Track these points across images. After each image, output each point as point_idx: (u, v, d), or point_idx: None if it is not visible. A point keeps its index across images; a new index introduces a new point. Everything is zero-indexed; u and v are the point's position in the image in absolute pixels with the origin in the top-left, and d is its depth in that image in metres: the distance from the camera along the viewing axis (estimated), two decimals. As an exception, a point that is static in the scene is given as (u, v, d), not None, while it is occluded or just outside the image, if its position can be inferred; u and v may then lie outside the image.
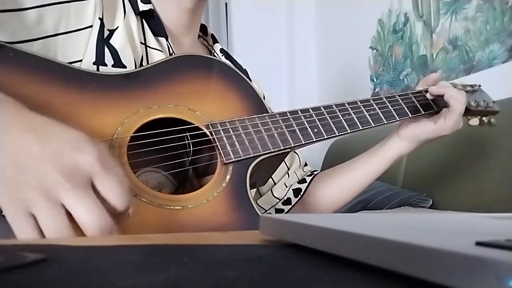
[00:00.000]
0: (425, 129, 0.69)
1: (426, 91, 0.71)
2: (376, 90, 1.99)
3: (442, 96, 0.68)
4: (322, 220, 0.24)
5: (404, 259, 0.15)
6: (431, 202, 1.27)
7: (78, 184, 0.34)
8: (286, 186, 0.77)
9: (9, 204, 0.34)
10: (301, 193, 0.76)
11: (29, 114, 0.38)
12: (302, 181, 0.78)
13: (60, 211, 0.34)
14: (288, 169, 0.78)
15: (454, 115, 0.67)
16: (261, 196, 0.77)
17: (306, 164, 0.82)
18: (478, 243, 0.15)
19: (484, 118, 0.76)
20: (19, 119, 0.37)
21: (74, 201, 0.34)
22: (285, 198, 0.76)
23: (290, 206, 0.76)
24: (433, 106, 0.70)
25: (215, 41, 0.79)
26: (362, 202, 1.33)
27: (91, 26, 0.56)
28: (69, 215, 0.34)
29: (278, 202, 0.76)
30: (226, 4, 2.43)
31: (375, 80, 2.00)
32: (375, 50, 2.00)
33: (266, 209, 0.76)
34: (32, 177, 0.34)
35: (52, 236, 0.33)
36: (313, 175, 0.79)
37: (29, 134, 0.36)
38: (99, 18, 0.57)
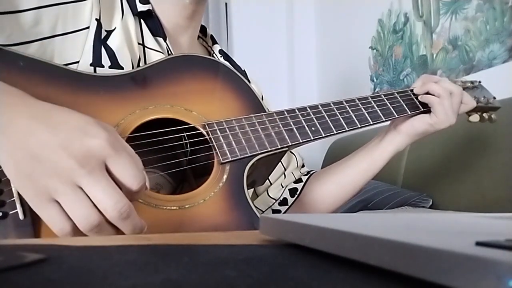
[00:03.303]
0: (422, 121, 0.68)
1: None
2: (376, 90, 1.99)
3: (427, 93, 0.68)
4: (322, 220, 0.24)
5: (404, 259, 0.15)
6: (431, 202, 1.27)
7: (93, 169, 0.35)
8: (282, 187, 0.77)
9: (33, 196, 0.35)
10: (298, 192, 0.76)
11: (34, 103, 0.39)
12: (298, 180, 0.78)
13: (82, 194, 0.35)
14: (285, 169, 0.78)
15: (435, 109, 0.66)
16: (257, 197, 0.76)
17: (303, 165, 0.82)
18: (478, 243, 0.15)
19: (484, 114, 0.76)
20: (25, 108, 0.38)
21: (91, 185, 0.35)
22: (281, 198, 0.75)
23: (286, 206, 0.75)
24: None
25: (214, 42, 0.79)
26: (362, 202, 1.33)
27: (88, 27, 0.56)
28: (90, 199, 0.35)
29: (274, 203, 0.75)
30: (226, 4, 2.43)
31: (375, 80, 2.00)
32: (375, 50, 2.00)
33: (263, 210, 0.75)
34: (47, 166, 0.35)
35: (79, 220, 0.35)
36: (309, 175, 0.79)
37: (37, 123, 0.36)
38: (96, 19, 0.57)
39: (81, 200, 0.35)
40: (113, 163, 0.36)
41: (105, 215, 0.35)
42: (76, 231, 0.36)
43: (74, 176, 0.35)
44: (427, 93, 0.68)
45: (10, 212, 0.39)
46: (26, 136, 0.36)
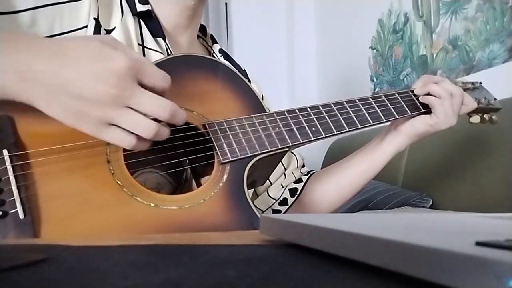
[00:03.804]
0: (423, 122, 0.68)
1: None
2: (376, 90, 1.99)
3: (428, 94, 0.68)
4: (322, 220, 0.24)
5: (404, 259, 0.15)
6: (431, 202, 1.27)
7: (131, 89, 0.39)
8: (283, 187, 0.76)
9: (92, 128, 0.39)
10: (298, 192, 0.76)
11: (41, 42, 0.41)
12: (299, 180, 0.78)
13: (133, 112, 0.39)
14: (285, 169, 0.78)
15: (436, 109, 0.66)
16: (257, 197, 0.76)
17: (303, 165, 0.82)
18: (478, 243, 0.15)
19: (485, 116, 0.76)
20: (35, 51, 0.39)
21: (138, 103, 0.39)
22: (281, 198, 0.75)
23: (287, 206, 0.75)
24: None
25: (214, 41, 0.79)
26: (362, 202, 1.33)
27: (86, 27, 0.56)
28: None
29: (274, 203, 0.75)
30: (226, 4, 2.43)
31: (375, 80, 2.00)
32: (375, 50, 2.00)
33: (263, 210, 0.75)
34: (92, 99, 0.38)
35: (145, 134, 0.40)
36: (309, 175, 0.79)
37: (56, 62, 0.38)
38: (94, 18, 0.57)
39: (136, 117, 0.39)
40: (143, 75, 0.40)
41: (160, 119, 0.40)
42: (141, 140, 0.41)
43: (121, 101, 0.38)
44: (428, 93, 0.68)
45: (10, 211, 0.39)
46: (54, 79, 0.38)
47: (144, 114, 0.40)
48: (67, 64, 0.38)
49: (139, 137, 0.40)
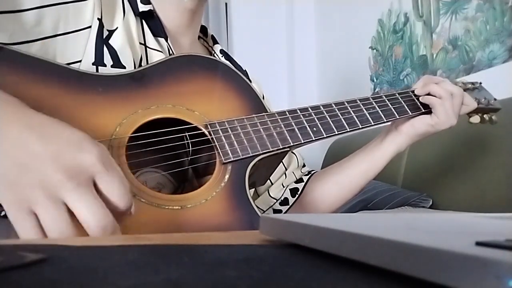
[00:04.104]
0: (423, 122, 0.68)
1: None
2: (376, 90, 1.99)
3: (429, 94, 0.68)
4: (322, 220, 0.24)
5: (404, 259, 0.15)
6: (431, 202, 1.27)
7: (80, 184, 0.34)
8: (283, 186, 0.77)
9: (12, 204, 0.34)
10: (298, 192, 0.76)
11: (29, 113, 0.38)
12: (299, 180, 0.78)
13: (63, 210, 0.34)
14: (286, 169, 0.78)
15: (436, 109, 0.66)
16: (258, 196, 0.76)
17: (304, 165, 0.82)
18: (478, 243, 0.15)
19: (485, 116, 0.76)
20: (19, 118, 0.37)
21: (76, 200, 0.34)
22: (282, 198, 0.75)
23: (287, 206, 0.75)
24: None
25: (215, 42, 0.79)
26: (362, 202, 1.33)
27: (89, 27, 0.56)
28: (71, 214, 0.34)
29: (275, 203, 0.75)
30: (226, 4, 2.43)
31: (375, 80, 2.00)
32: (375, 50, 2.00)
33: (264, 210, 0.75)
34: (34, 176, 0.34)
35: (54, 235, 0.34)
36: (310, 175, 0.79)
37: (29, 133, 0.36)
38: (98, 19, 0.57)
39: (61, 215, 0.34)
40: (102, 180, 0.36)
41: (88, 231, 0.34)
42: None
43: (60, 190, 0.34)
44: (428, 94, 0.68)
45: None
46: (17, 146, 0.35)
47: (76, 216, 0.34)
48: (37, 138, 0.35)
49: None
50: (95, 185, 0.36)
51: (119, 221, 0.37)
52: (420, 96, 0.69)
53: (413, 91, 0.70)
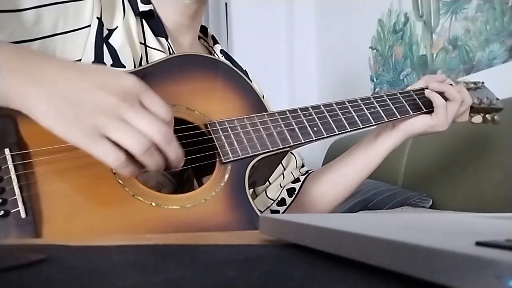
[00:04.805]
0: (423, 122, 0.68)
1: (427, 88, 0.70)
2: (376, 90, 1.99)
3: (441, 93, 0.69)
4: (322, 220, 0.24)
5: (404, 259, 0.15)
6: (431, 202, 1.27)
7: (133, 103, 0.39)
8: (281, 187, 0.76)
9: (82, 137, 0.37)
10: (295, 192, 0.76)
11: (58, 58, 0.43)
12: (296, 180, 0.78)
13: (129, 125, 0.38)
14: (284, 169, 0.78)
15: (439, 110, 0.66)
16: (256, 197, 0.76)
17: (303, 165, 0.82)
18: (478, 243, 0.15)
19: (487, 116, 0.76)
20: (51, 59, 0.41)
21: (136, 117, 0.38)
22: (279, 198, 0.75)
23: (285, 206, 0.75)
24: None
25: (215, 42, 0.79)
26: (362, 202, 1.33)
27: (89, 26, 0.56)
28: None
29: (272, 203, 0.75)
30: (226, 4, 2.43)
31: (375, 80, 2.00)
32: (375, 50, 2.00)
33: (261, 210, 0.75)
34: (90, 105, 0.37)
35: (135, 149, 0.38)
36: (307, 174, 0.79)
37: (67, 70, 0.39)
38: (97, 18, 0.57)
39: (130, 129, 0.38)
40: (147, 97, 0.40)
41: (154, 139, 0.39)
42: (129, 159, 0.39)
43: (119, 111, 0.38)
44: (437, 92, 0.68)
45: (12, 211, 0.39)
46: (62, 83, 0.38)
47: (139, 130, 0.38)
48: (78, 74, 0.39)
49: (128, 155, 0.38)
50: (141, 103, 0.40)
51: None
52: (432, 90, 0.68)
53: (414, 90, 0.70)
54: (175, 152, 0.41)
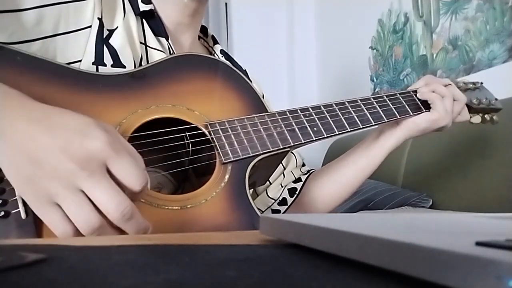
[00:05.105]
0: (425, 119, 0.67)
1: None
2: (376, 90, 1.99)
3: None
4: (322, 220, 0.24)
5: (404, 259, 0.15)
6: (431, 202, 1.27)
7: (94, 171, 0.35)
8: (282, 186, 0.76)
9: (34, 199, 0.35)
10: (297, 192, 0.75)
11: (33, 104, 0.39)
12: (298, 180, 0.77)
13: (83, 197, 0.35)
14: (284, 169, 0.78)
15: (436, 104, 0.67)
16: (257, 196, 0.76)
17: (303, 165, 0.82)
18: (478, 243, 0.15)
19: (486, 116, 0.76)
20: (25, 111, 0.38)
21: (92, 188, 0.35)
22: (280, 198, 0.75)
23: (286, 206, 0.75)
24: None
25: (215, 42, 0.79)
26: (362, 202, 1.33)
27: (90, 26, 0.56)
28: (91, 202, 0.35)
29: (273, 203, 0.75)
30: (226, 4, 2.43)
31: (375, 80, 2.00)
32: (375, 50, 2.00)
33: (262, 210, 0.75)
34: (47, 169, 0.35)
35: (81, 224, 0.35)
36: (309, 174, 0.78)
37: (35, 126, 0.36)
38: (98, 18, 0.57)
39: (82, 203, 0.35)
40: (113, 164, 0.36)
41: (108, 217, 0.35)
42: (78, 233, 0.36)
43: (75, 179, 0.34)
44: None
45: (12, 211, 0.39)
46: (26, 140, 0.35)
47: (94, 204, 0.35)
48: (45, 130, 0.36)
49: (76, 229, 0.36)
50: (108, 170, 0.36)
51: (138, 200, 0.38)
52: (422, 92, 0.69)
53: (414, 90, 0.70)
54: (134, 228, 0.37)
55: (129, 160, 0.37)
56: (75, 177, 0.34)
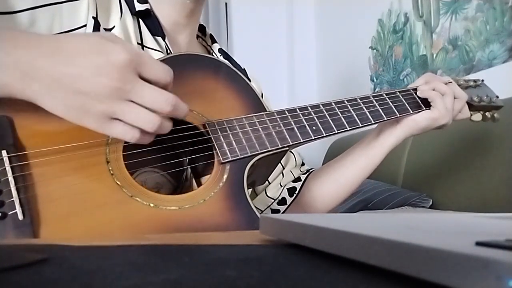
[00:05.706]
0: (425, 117, 0.67)
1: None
2: (376, 90, 1.99)
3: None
4: (322, 220, 0.24)
5: (404, 259, 0.15)
6: (431, 202, 1.27)
7: (132, 82, 0.39)
8: (281, 186, 0.76)
9: (95, 123, 0.39)
10: (296, 191, 0.75)
11: (37, 39, 0.40)
12: (297, 179, 0.77)
13: (135, 105, 0.39)
14: (283, 168, 0.78)
15: (436, 102, 0.66)
16: (256, 196, 0.76)
17: (303, 164, 0.82)
18: (478, 243, 0.15)
19: (487, 113, 0.76)
20: (35, 48, 0.39)
21: (140, 96, 0.39)
22: (279, 198, 0.75)
23: (285, 206, 0.75)
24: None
25: (213, 41, 0.79)
26: (362, 202, 1.33)
27: (85, 26, 0.56)
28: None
29: (273, 202, 0.75)
30: (226, 4, 2.43)
31: (375, 80, 2.00)
32: (375, 50, 2.00)
33: (262, 210, 0.75)
34: (93, 95, 0.38)
35: (148, 127, 0.40)
36: (308, 173, 0.78)
37: (55, 61, 0.39)
38: (93, 17, 0.57)
39: (138, 110, 0.39)
40: (144, 69, 0.40)
41: (162, 113, 0.40)
42: (145, 134, 0.41)
43: (122, 95, 0.39)
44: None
45: (9, 213, 0.39)
46: (55, 76, 0.38)
47: (146, 107, 0.40)
48: (66, 60, 0.38)
49: (142, 131, 0.41)
50: (139, 74, 0.40)
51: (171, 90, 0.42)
52: (422, 90, 0.68)
53: (413, 88, 0.69)
54: (183, 112, 0.43)
55: (151, 59, 0.41)
56: (121, 92, 0.38)
